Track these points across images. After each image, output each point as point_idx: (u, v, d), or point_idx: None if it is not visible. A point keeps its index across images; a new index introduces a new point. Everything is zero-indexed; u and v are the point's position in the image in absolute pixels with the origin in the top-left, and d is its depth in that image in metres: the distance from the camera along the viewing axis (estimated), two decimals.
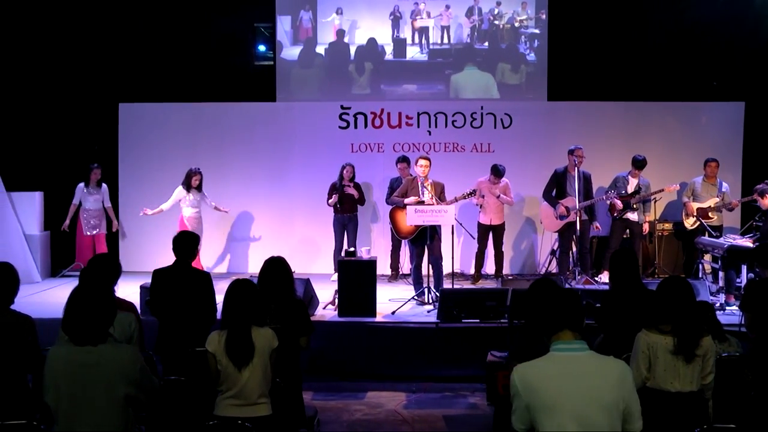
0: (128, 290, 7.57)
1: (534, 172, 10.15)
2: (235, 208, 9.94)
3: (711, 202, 9.33)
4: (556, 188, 9.28)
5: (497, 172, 9.41)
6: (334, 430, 5.94)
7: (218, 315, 4.75)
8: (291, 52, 10.95)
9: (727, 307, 7.81)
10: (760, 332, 4.90)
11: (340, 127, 10.78)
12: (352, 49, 10.90)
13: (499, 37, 10.90)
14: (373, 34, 10.86)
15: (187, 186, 9.30)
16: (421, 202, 8.15)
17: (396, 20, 10.87)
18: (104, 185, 10.09)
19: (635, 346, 3.99)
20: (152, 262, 5.90)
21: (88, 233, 9.89)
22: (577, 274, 9.03)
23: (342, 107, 10.79)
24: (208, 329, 4.42)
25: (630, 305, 4.82)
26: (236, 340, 3.97)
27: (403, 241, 9.21)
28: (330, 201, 9.68)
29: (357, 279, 7.68)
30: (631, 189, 9.30)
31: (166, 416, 4.47)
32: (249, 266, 10.58)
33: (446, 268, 8.43)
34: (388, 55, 10.91)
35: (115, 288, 4.54)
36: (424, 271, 8.30)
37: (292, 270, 4.87)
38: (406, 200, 8.27)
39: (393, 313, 7.77)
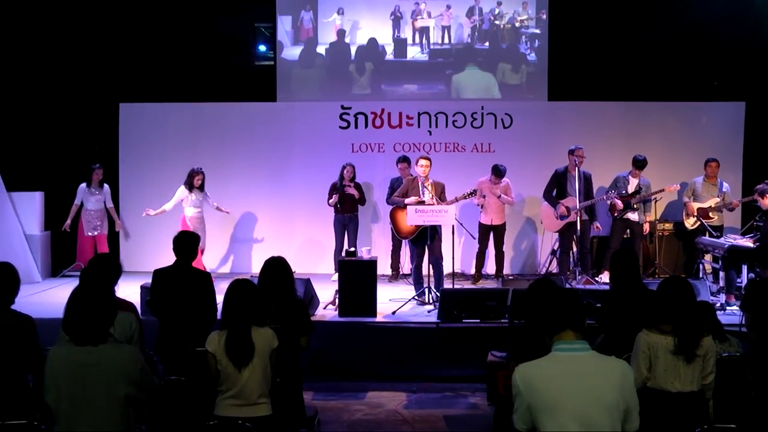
0: (129, 290, 7.60)
1: (534, 172, 10.15)
2: (236, 208, 9.94)
3: (711, 202, 9.33)
4: (556, 188, 9.27)
5: (498, 172, 9.41)
6: (334, 430, 5.94)
7: (219, 315, 4.74)
8: (291, 52, 10.95)
9: (727, 307, 7.81)
10: (760, 332, 4.89)
11: (340, 127, 10.78)
12: (353, 49, 10.90)
13: (499, 37, 10.90)
14: (373, 34, 10.86)
15: (190, 186, 9.29)
16: (422, 202, 8.15)
17: (397, 20, 10.87)
18: (106, 185, 10.09)
19: (636, 346, 3.99)
20: (153, 262, 5.90)
21: (90, 233, 9.88)
22: (577, 274, 9.03)
23: (342, 107, 10.79)
24: (209, 329, 4.42)
25: (630, 305, 4.82)
26: (236, 340, 3.97)
27: (403, 241, 9.21)
28: (330, 201, 9.68)
29: (357, 279, 7.68)
30: (631, 189, 9.30)
31: (167, 416, 4.47)
32: (249, 266, 10.57)
33: (446, 268, 8.43)
34: (389, 55, 10.91)
35: (116, 288, 4.54)
36: (425, 271, 8.30)
37: (293, 270, 4.87)
38: (407, 200, 8.27)
39: (393, 313, 7.77)
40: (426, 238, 8.12)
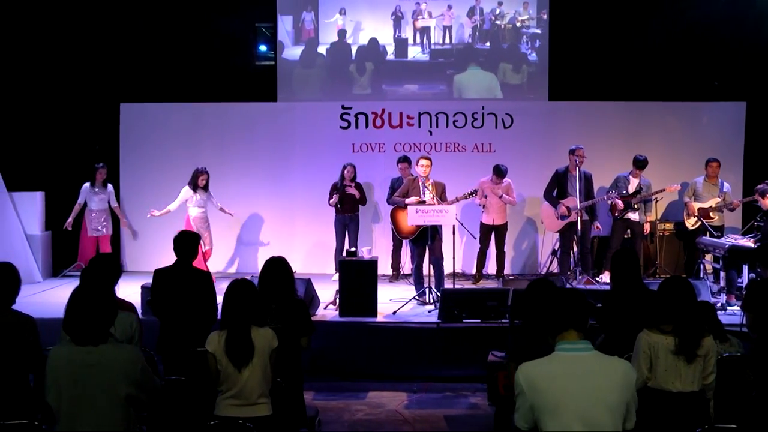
0: (130, 290, 7.61)
1: (535, 172, 10.15)
2: (236, 208, 9.93)
3: (712, 202, 9.33)
4: (557, 188, 9.27)
5: (499, 172, 9.41)
6: (335, 430, 5.95)
7: (219, 315, 4.75)
8: (292, 52, 10.95)
9: (728, 307, 7.81)
10: (761, 332, 4.90)
11: (341, 127, 10.78)
12: (354, 49, 10.90)
13: (500, 37, 10.90)
14: (374, 34, 10.86)
15: (194, 186, 9.25)
16: (422, 202, 8.15)
17: (397, 20, 10.87)
18: (110, 185, 10.07)
19: (636, 346, 3.99)
20: (156, 263, 5.89)
21: (93, 234, 9.84)
22: (578, 274, 9.03)
23: (343, 107, 10.79)
24: (209, 329, 4.42)
25: (631, 305, 4.82)
26: (236, 340, 3.97)
27: (404, 241, 9.21)
28: (331, 201, 9.68)
29: (358, 279, 7.68)
30: (632, 189, 9.30)
31: (167, 416, 4.47)
32: (248, 266, 10.57)
33: (447, 268, 8.43)
34: (390, 55, 10.92)
35: (117, 288, 4.54)
36: (425, 271, 8.30)
37: (293, 270, 4.87)
38: (407, 200, 8.27)
39: (394, 313, 7.77)
40: (426, 238, 8.12)
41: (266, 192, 10.76)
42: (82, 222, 9.89)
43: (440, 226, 8.18)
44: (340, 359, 7.25)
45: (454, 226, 8.12)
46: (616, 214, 9.34)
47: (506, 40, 10.90)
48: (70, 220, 9.78)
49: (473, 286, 9.37)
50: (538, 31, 10.83)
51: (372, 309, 7.62)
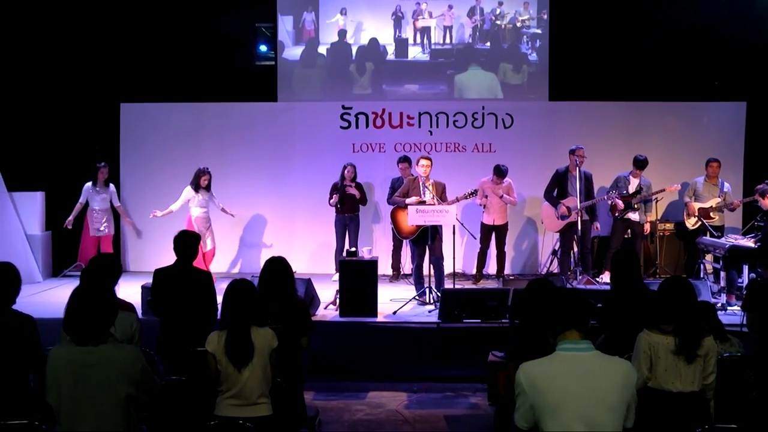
0: (132, 290, 7.61)
1: (535, 172, 10.15)
2: (236, 208, 9.92)
3: (712, 203, 9.33)
4: (557, 188, 9.27)
5: (500, 172, 9.41)
6: (335, 430, 5.95)
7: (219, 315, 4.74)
8: (293, 52, 10.95)
9: (728, 307, 7.81)
10: (762, 332, 4.90)
11: (341, 127, 10.78)
12: (354, 49, 10.90)
13: (500, 37, 10.90)
14: (375, 34, 10.86)
15: (196, 186, 9.21)
16: (423, 202, 8.15)
17: (398, 20, 10.87)
18: (111, 185, 10.05)
19: (637, 346, 3.99)
20: (158, 263, 5.88)
21: (95, 234, 9.81)
22: (578, 274, 9.03)
23: (343, 107, 10.79)
24: (209, 329, 4.42)
25: (631, 305, 4.82)
26: (235, 340, 3.97)
27: (404, 241, 9.21)
28: (331, 201, 9.68)
29: (358, 279, 7.68)
30: (632, 189, 9.29)
31: (167, 416, 4.47)
32: (249, 267, 10.56)
33: (447, 268, 8.43)
34: (390, 55, 10.92)
35: (117, 288, 4.54)
36: (426, 271, 8.30)
37: (293, 270, 4.87)
38: (408, 200, 8.27)
39: (394, 313, 7.77)
40: (427, 238, 8.12)
41: (266, 192, 10.76)
42: (84, 222, 9.85)
43: (440, 226, 8.18)
44: (341, 359, 7.24)
45: (454, 226, 8.12)
46: (617, 214, 9.34)
47: (506, 40, 10.90)
48: (70, 218, 9.73)
49: (473, 286, 9.37)
50: (539, 31, 10.83)
51: (372, 309, 7.63)
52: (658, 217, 9.99)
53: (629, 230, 9.40)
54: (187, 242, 5.57)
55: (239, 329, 4.00)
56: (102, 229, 9.82)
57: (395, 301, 8.16)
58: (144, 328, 4.73)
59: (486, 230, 9.66)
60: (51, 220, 10.26)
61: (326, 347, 7.05)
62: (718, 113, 10.74)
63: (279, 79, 10.90)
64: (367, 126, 10.78)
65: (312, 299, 7.59)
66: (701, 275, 8.66)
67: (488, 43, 10.90)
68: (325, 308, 7.96)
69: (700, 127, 10.75)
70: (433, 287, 8.14)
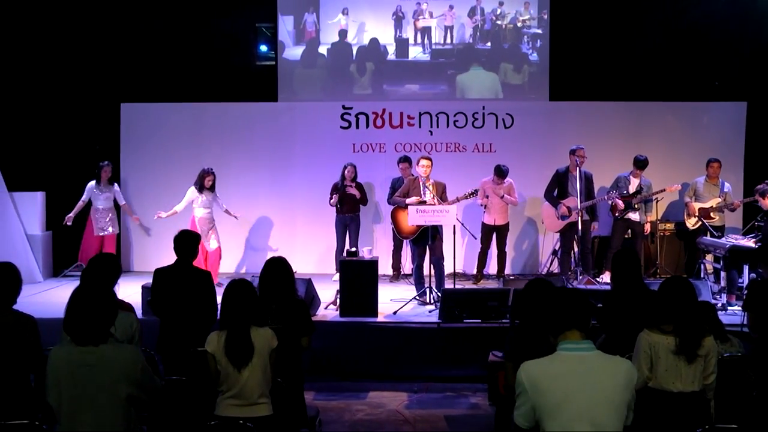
0: (134, 290, 7.62)
1: (535, 172, 10.14)
2: (236, 208, 9.90)
3: (713, 203, 9.33)
4: (557, 188, 9.27)
5: (500, 172, 9.41)
6: (335, 430, 5.95)
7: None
8: (293, 52, 10.95)
9: (728, 308, 7.81)
10: (762, 332, 4.90)
11: (341, 127, 10.78)
12: (354, 50, 10.90)
13: (501, 37, 10.90)
14: (375, 34, 10.86)
15: (200, 186, 9.18)
16: (423, 202, 8.15)
17: (398, 20, 10.87)
18: (116, 184, 10.02)
19: (637, 346, 3.99)
20: (162, 263, 5.85)
21: (99, 233, 9.75)
22: (578, 274, 9.03)
23: (344, 107, 10.79)
24: (209, 329, 4.42)
25: (632, 305, 4.82)
26: (235, 340, 3.97)
27: (404, 241, 9.21)
28: (331, 201, 9.68)
29: (358, 279, 7.68)
30: (632, 189, 9.29)
31: (168, 416, 4.47)
32: (250, 267, 10.56)
33: (447, 268, 8.43)
34: (391, 55, 10.92)
35: (118, 288, 4.54)
36: (426, 271, 8.30)
37: (294, 270, 4.87)
38: (408, 200, 8.27)
39: (394, 313, 7.77)
40: (427, 238, 8.12)
41: (267, 192, 10.76)
42: (87, 221, 9.80)
43: (441, 226, 8.18)
44: (341, 359, 7.24)
45: (454, 226, 8.12)
46: (617, 214, 9.34)
47: (507, 40, 10.90)
48: (71, 215, 9.65)
49: (474, 286, 9.36)
50: (539, 31, 10.83)
51: (372, 309, 7.63)
52: (659, 217, 9.99)
53: (629, 230, 9.40)
54: (187, 242, 5.57)
55: (239, 329, 4.00)
56: (106, 228, 9.78)
57: (395, 301, 8.16)
58: (144, 328, 4.73)
59: (487, 230, 9.66)
60: (51, 220, 10.26)
61: (326, 347, 7.05)
62: (718, 113, 10.73)
63: (279, 79, 10.90)
64: (367, 126, 10.78)
65: (312, 299, 7.59)
66: (701, 275, 8.66)
67: (489, 43, 10.90)
68: (326, 308, 7.97)
69: (701, 127, 10.75)
70: (434, 287, 8.14)
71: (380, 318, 7.62)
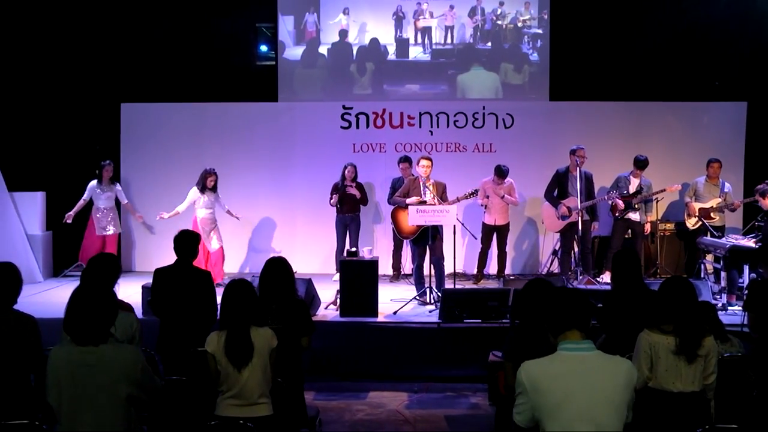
0: (135, 290, 7.62)
1: (536, 173, 10.14)
2: (236, 208, 9.91)
3: (713, 203, 9.33)
4: (557, 188, 9.27)
5: (500, 172, 9.41)
6: (335, 430, 5.95)
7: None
8: (293, 52, 10.95)
9: (729, 308, 7.80)
10: (762, 332, 4.90)
11: (342, 127, 10.78)
12: (355, 50, 10.90)
13: (502, 37, 10.90)
14: (376, 34, 10.86)
15: (202, 187, 9.17)
16: (423, 202, 8.15)
17: (399, 20, 10.87)
18: (117, 183, 10.01)
19: (637, 346, 3.99)
20: (162, 263, 5.86)
21: (101, 233, 9.74)
22: (578, 274, 9.03)
23: (344, 107, 10.79)
24: (209, 329, 4.42)
25: (632, 305, 4.82)
26: (235, 340, 3.97)
27: (404, 241, 9.21)
28: (332, 201, 9.68)
29: (359, 279, 7.68)
30: (632, 189, 9.29)
31: (168, 416, 4.47)
32: (250, 267, 10.56)
33: (448, 268, 8.43)
34: (391, 55, 10.92)
35: (118, 288, 4.54)
36: (426, 271, 8.30)
37: (294, 270, 4.87)
38: (408, 200, 8.27)
39: (395, 313, 7.77)
40: (427, 238, 8.12)
41: (267, 192, 10.76)
42: (89, 221, 9.79)
43: (441, 226, 8.18)
44: (341, 359, 7.24)
45: (455, 226, 8.12)
46: (617, 214, 9.34)
47: (507, 40, 10.89)
48: (71, 213, 9.63)
49: (474, 286, 9.36)
50: (540, 31, 10.83)
51: (373, 309, 7.63)
52: (659, 217, 9.99)
53: (630, 230, 9.40)
54: (187, 242, 5.58)
55: (238, 329, 4.00)
56: (107, 228, 9.77)
57: (396, 301, 8.16)
58: (144, 328, 4.73)
59: (487, 230, 9.66)
60: (52, 220, 10.25)
61: (327, 347, 7.05)
62: (718, 113, 10.73)
63: (279, 79, 10.90)
64: (367, 126, 10.78)
65: (312, 299, 7.59)
66: (702, 275, 8.66)
67: (489, 43, 10.90)
68: (326, 308, 7.97)
69: (701, 127, 10.75)
70: (434, 287, 8.14)
71: (380, 318, 7.61)
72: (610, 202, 9.28)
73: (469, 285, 9.47)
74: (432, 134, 10.72)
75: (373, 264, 7.81)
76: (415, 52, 10.93)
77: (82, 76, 10.57)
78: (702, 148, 10.20)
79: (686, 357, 3.89)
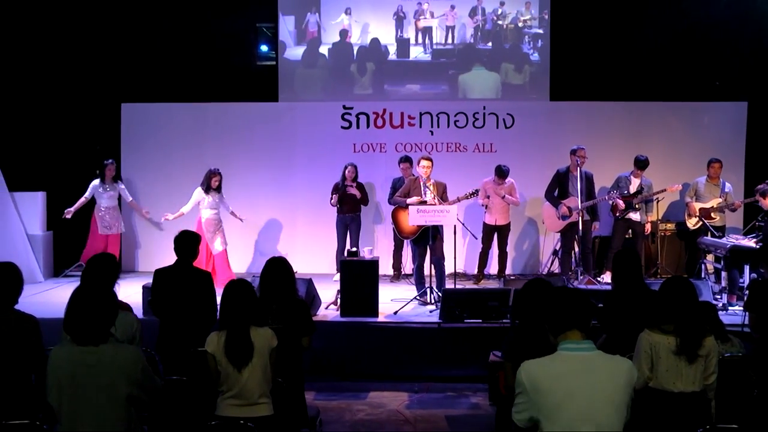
0: (135, 290, 7.62)
1: (536, 173, 10.14)
2: (236, 208, 9.91)
3: (714, 203, 9.32)
4: (558, 188, 9.27)
5: (501, 172, 9.41)
6: (336, 430, 5.95)
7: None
8: (294, 52, 10.95)
9: (729, 308, 7.80)
10: (763, 332, 4.90)
11: (342, 127, 10.78)
12: (355, 50, 10.90)
13: (502, 37, 10.90)
14: (376, 34, 10.86)
15: (207, 187, 9.11)
16: (424, 202, 8.15)
17: (399, 20, 10.87)
18: (120, 182, 10.00)
19: (638, 346, 3.99)
20: (165, 263, 5.86)
21: (104, 232, 9.71)
22: (579, 274, 9.03)
23: (344, 107, 10.79)
24: (209, 329, 4.42)
25: (633, 305, 4.82)
26: (235, 340, 3.97)
27: (405, 241, 9.21)
28: (332, 201, 9.68)
29: (359, 279, 7.69)
30: (633, 189, 9.29)
31: (168, 416, 4.47)
32: (250, 268, 10.56)
33: (448, 268, 8.43)
34: (392, 55, 10.92)
35: (118, 288, 4.53)
36: (427, 271, 8.30)
37: (294, 270, 4.87)
38: (409, 200, 8.27)
39: (395, 313, 7.77)
40: (428, 238, 8.12)
41: (267, 192, 10.76)
42: (91, 220, 9.77)
43: (441, 226, 8.18)
44: (341, 359, 7.25)
45: (455, 226, 8.12)
46: (618, 214, 9.34)
47: (508, 40, 10.89)
48: (71, 209, 9.59)
49: (474, 286, 9.36)
50: (540, 31, 10.83)
51: (373, 309, 7.63)
52: (659, 217, 9.99)
53: (630, 230, 9.40)
54: (187, 242, 5.58)
55: (238, 329, 4.00)
56: (111, 227, 9.74)
57: (396, 301, 8.16)
58: (144, 328, 4.73)
59: (488, 230, 9.66)
60: (52, 220, 10.25)
61: (327, 347, 7.05)
62: (719, 113, 10.73)
63: (280, 79, 10.90)
64: (368, 126, 10.78)
65: (313, 299, 7.60)
66: (702, 275, 8.67)
67: (490, 43, 10.89)
68: (326, 308, 7.97)
69: (701, 127, 10.74)
70: (434, 287, 8.14)
71: (381, 318, 7.62)
72: (610, 202, 9.28)
73: (469, 285, 9.47)
74: (432, 134, 10.72)
75: (374, 264, 7.81)
76: (416, 52, 10.93)
77: (83, 76, 10.57)
78: (702, 148, 10.20)
79: (687, 357, 3.89)
